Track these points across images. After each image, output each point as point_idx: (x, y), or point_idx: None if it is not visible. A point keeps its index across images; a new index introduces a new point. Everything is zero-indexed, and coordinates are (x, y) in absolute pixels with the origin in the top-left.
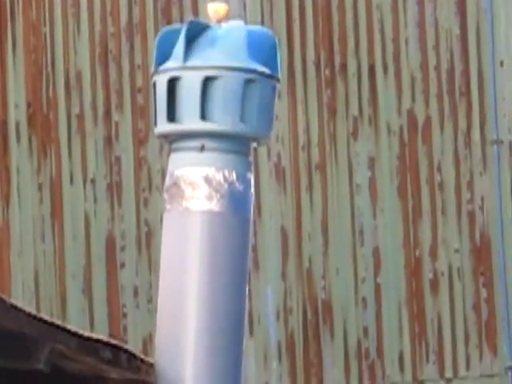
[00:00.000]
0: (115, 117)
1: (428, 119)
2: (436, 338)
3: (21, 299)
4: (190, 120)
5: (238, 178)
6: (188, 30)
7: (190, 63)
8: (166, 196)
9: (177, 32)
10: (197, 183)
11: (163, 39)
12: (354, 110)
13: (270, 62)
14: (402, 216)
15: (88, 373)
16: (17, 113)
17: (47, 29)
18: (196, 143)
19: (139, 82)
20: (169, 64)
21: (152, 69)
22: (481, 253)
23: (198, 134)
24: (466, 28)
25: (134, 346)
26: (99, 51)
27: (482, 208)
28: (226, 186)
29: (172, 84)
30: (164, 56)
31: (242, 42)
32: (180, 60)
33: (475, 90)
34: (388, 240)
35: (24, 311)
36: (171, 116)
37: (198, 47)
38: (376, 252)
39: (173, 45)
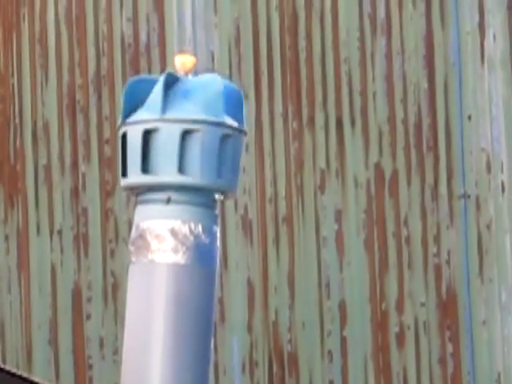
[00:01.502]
0: (82, 168)
1: (395, 172)
2: None
3: None
4: (166, 172)
5: (204, 231)
6: (165, 81)
7: (168, 115)
8: (131, 248)
9: (145, 82)
10: (163, 236)
11: (131, 89)
12: (321, 162)
13: (238, 115)
14: (369, 269)
15: None
16: None
17: (15, 79)
18: (162, 195)
19: (107, 133)
20: (143, 115)
21: (119, 119)
22: (447, 307)
23: (172, 186)
24: (434, 82)
25: None
26: (67, 102)
27: (448, 262)
28: (191, 238)
29: (147, 136)
30: (132, 106)
31: (219, 95)
32: (158, 111)
33: (442, 143)
34: (354, 293)
35: None
36: (146, 167)
37: (174, 99)
38: (342, 305)
39: (141, 95)
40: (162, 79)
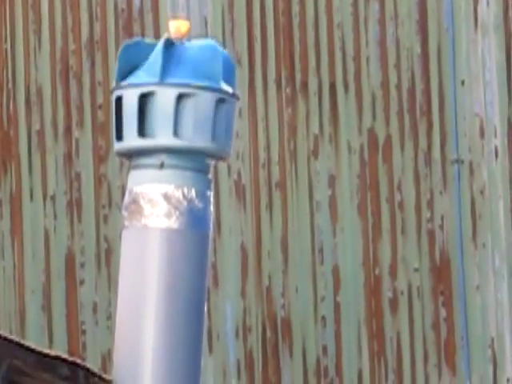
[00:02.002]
0: (75, 133)
1: (388, 138)
2: (395, 357)
3: None
4: (163, 136)
5: (197, 196)
6: (165, 47)
7: (166, 80)
8: (124, 213)
9: (139, 46)
10: (156, 200)
11: (126, 53)
12: (314, 128)
13: (230, 80)
14: (362, 234)
15: None
16: None
17: (8, 45)
18: (156, 160)
19: (100, 98)
20: (141, 78)
21: (113, 83)
22: (440, 272)
23: (168, 150)
24: (428, 47)
25: (92, 362)
26: (60, 68)
27: (441, 227)
28: (185, 203)
29: (143, 99)
30: (126, 70)
31: (218, 63)
32: (156, 75)
33: (436, 109)
34: (348, 258)
35: None
36: (142, 131)
37: (171, 64)
38: (335, 270)
39: (136, 59)
40: (161, 44)
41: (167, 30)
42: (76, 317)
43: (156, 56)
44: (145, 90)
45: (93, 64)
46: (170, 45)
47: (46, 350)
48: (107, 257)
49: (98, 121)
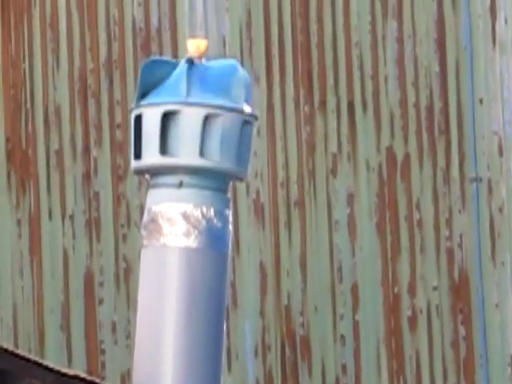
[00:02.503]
0: (94, 152)
1: (407, 156)
2: (414, 376)
3: None
4: (187, 155)
5: (216, 215)
6: (189, 67)
7: (190, 99)
8: (143, 232)
9: (159, 64)
10: (175, 219)
11: (146, 71)
12: (332, 146)
13: (249, 101)
14: (381, 253)
15: None
16: None
17: (26, 64)
18: (175, 179)
19: (118, 117)
20: (163, 97)
21: (134, 100)
22: (459, 290)
23: (191, 169)
24: (446, 65)
25: (112, 382)
26: (78, 87)
27: (460, 245)
28: (204, 222)
29: (165, 118)
30: (147, 88)
31: (240, 83)
32: (182, 94)
33: (454, 127)
34: (366, 277)
35: (1, 347)
36: (164, 149)
37: (194, 83)
38: (354, 289)
39: (156, 77)
40: (184, 63)
41: (185, 49)
42: (95, 336)
43: (180, 75)
44: (169, 108)
45: (111, 83)
46: (191, 64)
47: (65, 370)
48: (126, 276)
49: (117, 140)
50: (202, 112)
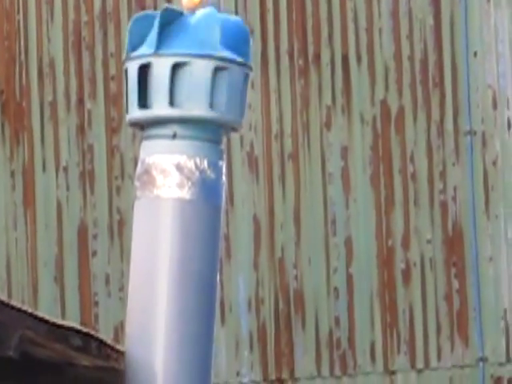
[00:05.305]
0: (88, 105)
1: (401, 109)
2: (407, 329)
3: None
4: (159, 106)
5: (209, 166)
6: (162, 17)
7: (161, 50)
8: (137, 184)
9: (149, 18)
10: (168, 171)
11: (136, 25)
12: (327, 99)
13: (242, 50)
14: (375, 206)
15: (57, 359)
16: None
17: (20, 16)
18: (168, 131)
19: (112, 70)
20: (141, 50)
21: (124, 55)
22: (453, 243)
23: (168, 120)
24: (440, 18)
25: (105, 334)
26: (72, 39)
27: (454, 198)
28: (197, 173)
29: (143, 71)
30: (136, 42)
31: (215, 29)
32: (152, 47)
33: (449, 80)
34: (360, 230)
35: None
36: (142, 102)
37: (171, 34)
38: (348, 242)
39: (145, 31)
40: (158, 14)
41: (180, 2)
42: (89, 288)
43: (154, 27)
44: (142, 61)
45: (105, 35)
46: (172, 16)
47: (59, 321)
48: (120, 228)
49: (111, 92)
50: (169, 61)
